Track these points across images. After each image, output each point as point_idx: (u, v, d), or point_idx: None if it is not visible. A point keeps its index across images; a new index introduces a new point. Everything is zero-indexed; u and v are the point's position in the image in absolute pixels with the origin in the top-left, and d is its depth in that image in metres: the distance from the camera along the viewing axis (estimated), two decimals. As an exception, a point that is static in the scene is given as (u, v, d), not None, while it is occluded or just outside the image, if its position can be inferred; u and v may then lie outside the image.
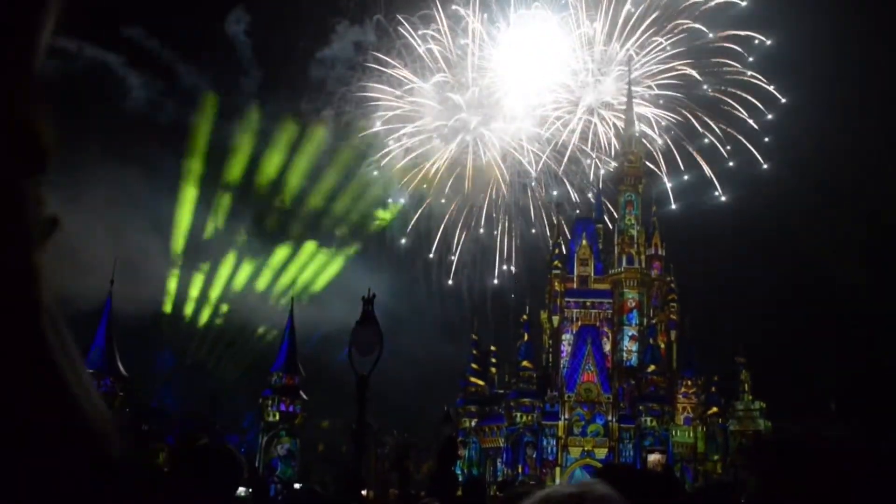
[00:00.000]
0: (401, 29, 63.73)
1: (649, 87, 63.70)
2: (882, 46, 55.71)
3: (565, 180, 63.77)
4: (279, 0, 59.77)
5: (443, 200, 64.54)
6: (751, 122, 62.89)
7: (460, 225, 65.70)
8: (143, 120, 54.85)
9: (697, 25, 63.45)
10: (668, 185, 63.14)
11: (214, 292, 59.65)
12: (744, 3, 62.58)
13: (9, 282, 0.66)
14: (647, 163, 58.71)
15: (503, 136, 63.92)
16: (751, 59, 62.84)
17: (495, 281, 64.55)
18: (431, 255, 65.82)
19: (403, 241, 64.49)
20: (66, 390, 0.70)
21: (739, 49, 62.89)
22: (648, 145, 61.64)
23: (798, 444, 2.00)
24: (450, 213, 65.13)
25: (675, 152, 64.23)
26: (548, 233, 61.59)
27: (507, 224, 66.13)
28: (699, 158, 63.86)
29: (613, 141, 62.85)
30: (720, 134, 63.93)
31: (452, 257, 65.45)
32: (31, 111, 0.70)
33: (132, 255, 51.49)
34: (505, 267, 65.39)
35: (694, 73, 63.86)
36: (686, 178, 64.16)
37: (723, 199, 63.40)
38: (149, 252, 54.21)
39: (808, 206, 58.48)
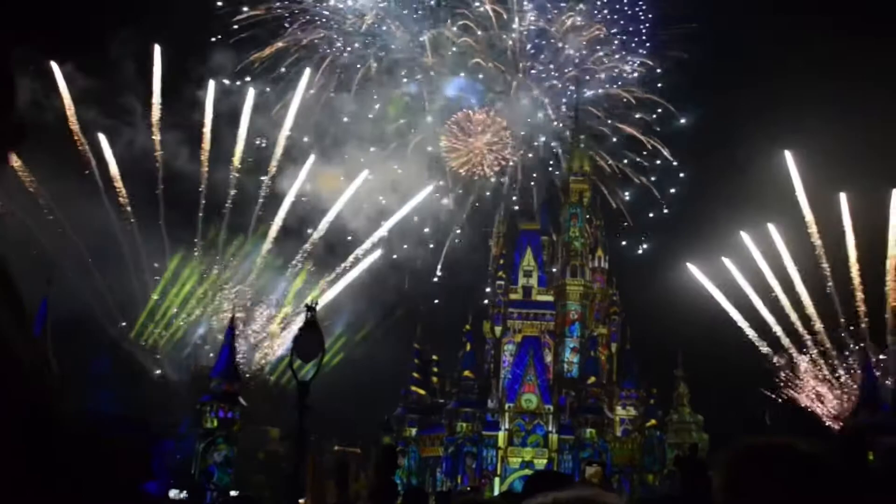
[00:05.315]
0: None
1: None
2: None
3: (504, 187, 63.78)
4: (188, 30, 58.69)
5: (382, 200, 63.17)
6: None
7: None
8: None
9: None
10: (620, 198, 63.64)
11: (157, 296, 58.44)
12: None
13: None
14: (594, 176, 59.18)
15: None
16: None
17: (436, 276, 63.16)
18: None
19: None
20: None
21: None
22: (599, 160, 62.25)
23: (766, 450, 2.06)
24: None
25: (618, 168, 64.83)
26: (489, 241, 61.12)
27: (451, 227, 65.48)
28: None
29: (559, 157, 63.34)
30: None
31: (395, 256, 63.96)
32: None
33: (73, 257, 50.54)
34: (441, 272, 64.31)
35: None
36: (627, 194, 64.67)
37: (665, 211, 64.07)
38: (88, 256, 53.03)
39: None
